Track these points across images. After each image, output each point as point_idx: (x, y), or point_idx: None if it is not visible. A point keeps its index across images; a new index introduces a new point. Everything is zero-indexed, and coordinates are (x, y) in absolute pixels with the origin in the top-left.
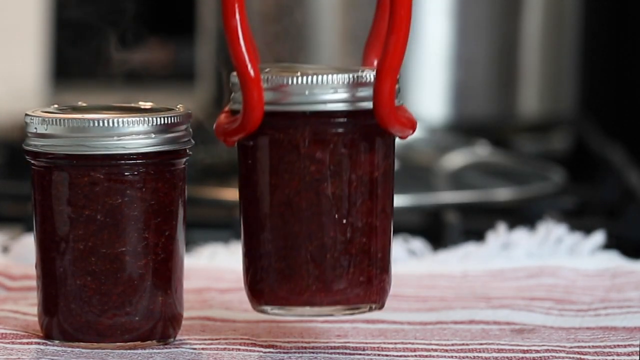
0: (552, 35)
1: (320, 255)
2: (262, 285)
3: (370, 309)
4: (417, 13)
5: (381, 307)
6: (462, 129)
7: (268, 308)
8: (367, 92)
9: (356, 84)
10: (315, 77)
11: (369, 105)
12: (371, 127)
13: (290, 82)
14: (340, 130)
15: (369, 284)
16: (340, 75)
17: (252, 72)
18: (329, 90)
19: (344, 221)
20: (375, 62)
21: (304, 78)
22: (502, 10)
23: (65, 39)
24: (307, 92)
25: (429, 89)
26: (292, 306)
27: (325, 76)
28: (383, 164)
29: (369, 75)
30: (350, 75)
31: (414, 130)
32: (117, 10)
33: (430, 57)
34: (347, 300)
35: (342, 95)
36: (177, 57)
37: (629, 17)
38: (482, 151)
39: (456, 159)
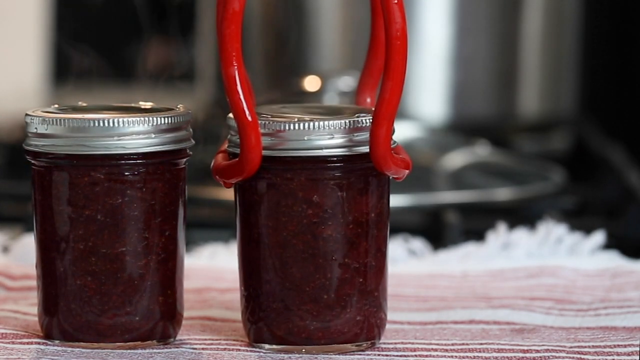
0: (552, 35)
1: (317, 295)
2: (260, 323)
3: (367, 347)
4: (417, 13)
5: (377, 343)
6: (462, 129)
7: (266, 345)
8: (363, 136)
9: (352, 129)
10: (311, 123)
11: (364, 149)
12: (367, 170)
13: (287, 127)
14: (336, 174)
15: (365, 322)
16: (336, 122)
17: (249, 118)
18: (326, 136)
19: (341, 262)
20: (368, 100)
21: (301, 124)
22: (502, 10)
23: (65, 39)
24: (304, 138)
25: (429, 89)
26: (290, 345)
27: (321, 122)
28: (378, 204)
29: (365, 120)
30: (346, 121)
31: (410, 171)
32: (117, 10)
33: (430, 57)
34: (345, 339)
35: (339, 140)
36: (177, 57)
37: (629, 17)
38: (482, 151)
39: (456, 159)
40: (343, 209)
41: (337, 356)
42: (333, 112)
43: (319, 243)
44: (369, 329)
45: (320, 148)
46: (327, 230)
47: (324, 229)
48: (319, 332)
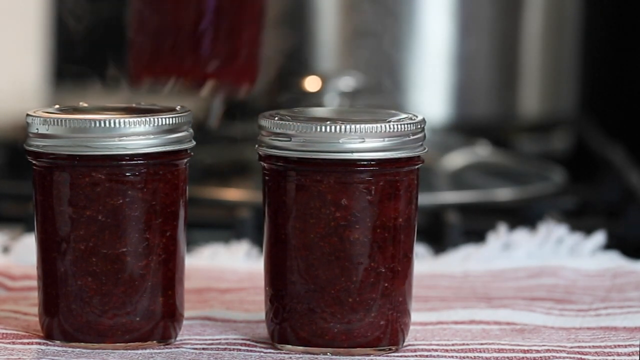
0: (552, 35)
1: (342, 298)
2: (284, 324)
3: (390, 350)
4: (418, 13)
5: (400, 348)
6: (462, 129)
7: (289, 346)
8: (394, 141)
9: (384, 133)
10: (344, 125)
11: (395, 154)
12: (396, 175)
13: (319, 129)
14: (366, 178)
15: (389, 326)
16: (368, 125)
17: None
18: (357, 140)
19: (367, 266)
20: None
21: (333, 126)
22: (502, 10)
23: (66, 39)
24: (335, 141)
25: (429, 89)
26: (314, 347)
27: (353, 125)
28: (407, 210)
29: (397, 124)
30: (378, 125)
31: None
32: (117, 10)
33: (431, 56)
34: (368, 343)
35: (370, 144)
36: None
37: (629, 17)
38: (482, 151)
39: (456, 159)
40: (371, 212)
41: (338, 356)
42: (363, 116)
43: (346, 246)
44: (393, 334)
45: (351, 151)
46: (354, 233)
47: (351, 232)
48: (343, 334)
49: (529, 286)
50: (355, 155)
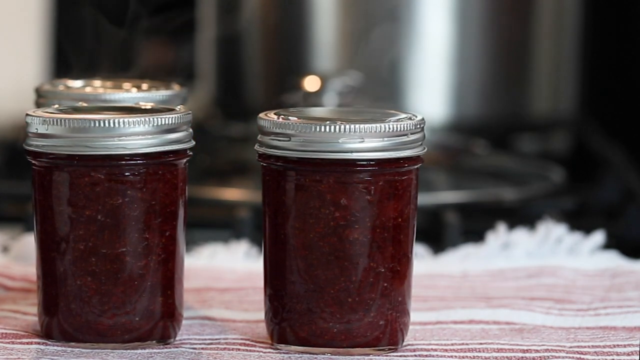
0: (552, 35)
1: (342, 298)
2: (283, 324)
3: (389, 350)
4: (417, 13)
5: (399, 348)
6: (462, 129)
7: (288, 346)
8: (393, 140)
9: (383, 133)
10: (343, 125)
11: (394, 154)
12: (395, 174)
13: (318, 129)
14: (365, 177)
15: (388, 326)
16: (367, 125)
17: None
18: (356, 140)
19: (366, 266)
20: None
21: (333, 126)
22: (502, 11)
23: (65, 39)
24: (334, 140)
25: (429, 89)
26: (313, 347)
27: (353, 125)
28: (406, 210)
29: (395, 124)
30: (377, 125)
31: None
32: (117, 10)
33: (430, 57)
34: (367, 343)
35: (369, 144)
36: (177, 57)
37: (629, 17)
38: (482, 151)
39: (456, 159)
40: (370, 212)
41: (338, 356)
42: (362, 116)
43: (345, 246)
44: (392, 334)
45: (351, 151)
46: (354, 233)
47: (350, 232)
48: (342, 334)
49: (528, 286)
50: (355, 155)
